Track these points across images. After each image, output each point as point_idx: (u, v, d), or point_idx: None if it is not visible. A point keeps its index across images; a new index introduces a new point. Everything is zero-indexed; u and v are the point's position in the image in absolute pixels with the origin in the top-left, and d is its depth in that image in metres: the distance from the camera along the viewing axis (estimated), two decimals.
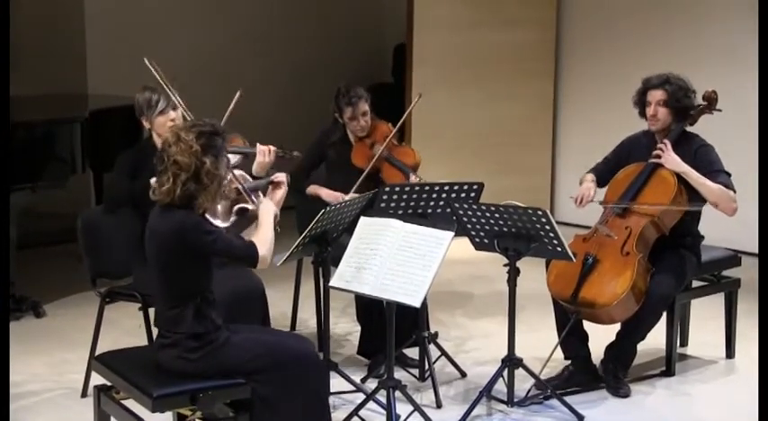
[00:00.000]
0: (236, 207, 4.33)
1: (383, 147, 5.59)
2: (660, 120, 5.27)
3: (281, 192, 4.39)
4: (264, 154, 4.92)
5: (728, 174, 5.21)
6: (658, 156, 5.22)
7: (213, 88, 8.41)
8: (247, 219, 4.37)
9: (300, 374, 4.11)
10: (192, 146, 3.97)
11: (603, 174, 5.44)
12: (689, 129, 5.33)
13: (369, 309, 5.27)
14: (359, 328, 5.71)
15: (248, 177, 4.48)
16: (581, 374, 5.21)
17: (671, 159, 5.19)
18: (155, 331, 4.73)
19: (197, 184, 3.98)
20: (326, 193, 5.64)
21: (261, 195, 4.35)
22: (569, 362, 5.24)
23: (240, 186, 4.34)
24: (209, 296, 4.10)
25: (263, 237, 4.13)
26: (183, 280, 4.05)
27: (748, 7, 7.33)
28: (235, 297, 4.61)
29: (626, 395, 5.15)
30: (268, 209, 4.24)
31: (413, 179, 5.52)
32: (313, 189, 5.69)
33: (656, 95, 5.26)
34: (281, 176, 4.42)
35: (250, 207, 4.33)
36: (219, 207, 4.26)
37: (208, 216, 4.15)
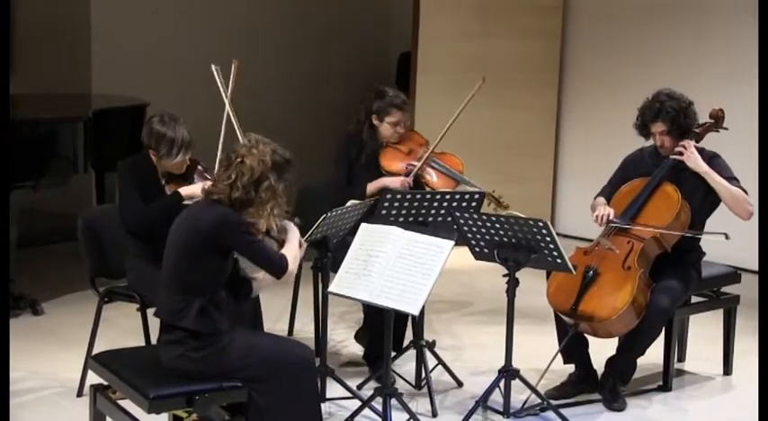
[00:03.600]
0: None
1: (428, 152, 5.55)
2: (668, 147, 5.27)
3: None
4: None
5: (740, 185, 5.23)
6: (680, 154, 5.21)
7: (219, 92, 8.43)
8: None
9: (296, 380, 4.11)
10: (265, 156, 4.07)
11: (611, 196, 5.43)
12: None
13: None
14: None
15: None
16: (583, 381, 5.22)
17: (693, 157, 5.19)
18: (152, 333, 4.75)
19: (255, 194, 4.04)
20: (391, 181, 5.49)
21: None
22: (573, 368, 5.25)
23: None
24: (217, 297, 4.11)
25: (292, 253, 4.20)
26: (199, 272, 4.06)
27: (749, 19, 7.34)
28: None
29: (620, 409, 5.14)
30: (294, 231, 4.30)
31: (466, 188, 5.41)
32: (372, 186, 5.51)
33: (658, 127, 5.25)
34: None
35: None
36: None
37: None
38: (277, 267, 4.14)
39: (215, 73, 4.92)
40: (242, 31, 8.89)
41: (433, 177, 5.61)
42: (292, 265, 4.17)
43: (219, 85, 4.93)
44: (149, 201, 4.93)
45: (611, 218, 5.21)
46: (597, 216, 5.25)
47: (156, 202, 4.91)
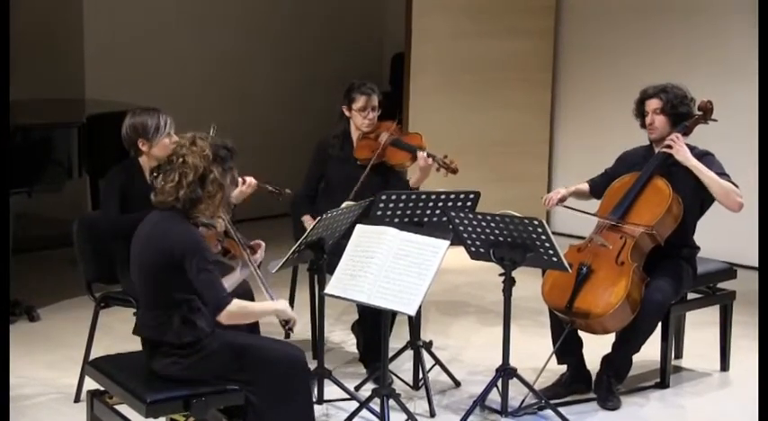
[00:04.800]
0: (220, 244, 4.37)
1: (389, 132, 5.61)
2: (658, 128, 5.29)
3: (257, 256, 4.43)
4: (247, 184, 4.98)
5: (732, 182, 5.23)
6: (669, 147, 5.22)
7: (215, 98, 8.43)
8: (228, 260, 4.44)
9: (289, 382, 4.11)
10: (205, 150, 4.04)
11: (599, 185, 5.46)
12: (685, 140, 5.33)
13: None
14: (353, 336, 5.71)
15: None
16: (576, 381, 5.22)
17: (682, 151, 5.20)
18: None
19: (202, 190, 4.01)
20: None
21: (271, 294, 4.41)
22: (565, 368, 5.25)
23: (229, 226, 4.38)
24: (195, 304, 4.08)
25: (246, 308, 4.11)
26: (174, 289, 4.04)
27: (745, 16, 7.35)
28: None
29: (614, 408, 5.13)
30: (279, 305, 4.27)
31: (422, 155, 5.52)
32: (306, 220, 5.62)
33: (652, 104, 5.29)
34: (259, 243, 4.46)
35: (231, 251, 4.41)
36: (207, 234, 4.28)
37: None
38: (213, 303, 4.00)
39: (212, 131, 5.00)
40: (236, 33, 8.88)
41: (392, 155, 5.64)
42: (234, 308, 4.00)
43: None
44: (131, 206, 4.91)
45: (554, 201, 5.32)
46: (543, 198, 5.35)
47: (132, 215, 4.84)
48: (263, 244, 4.49)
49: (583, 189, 5.50)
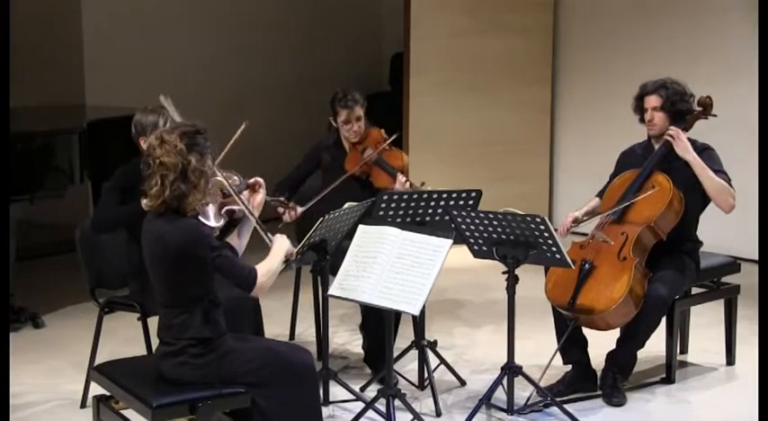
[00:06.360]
0: (224, 208, 4.33)
1: (375, 152, 5.62)
2: (657, 125, 5.29)
3: (259, 197, 4.39)
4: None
5: (729, 178, 5.22)
6: (671, 137, 5.21)
7: (214, 98, 8.44)
8: (234, 221, 4.40)
9: (297, 385, 4.11)
10: (177, 145, 3.99)
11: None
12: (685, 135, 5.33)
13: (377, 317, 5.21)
14: (358, 337, 5.70)
15: (235, 177, 4.47)
16: (581, 380, 5.21)
17: (682, 143, 5.19)
18: (153, 342, 4.74)
19: (185, 184, 3.99)
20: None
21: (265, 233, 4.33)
22: (569, 367, 5.24)
23: (229, 188, 4.34)
24: (216, 299, 4.11)
25: (267, 266, 4.13)
26: (189, 285, 4.05)
27: (743, 13, 7.35)
28: (227, 305, 4.48)
29: (619, 404, 5.13)
30: (282, 245, 4.24)
31: (400, 179, 5.55)
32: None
33: (652, 101, 5.28)
34: (258, 180, 4.43)
35: (236, 208, 4.33)
36: (210, 209, 4.25)
37: (201, 218, 4.14)
38: (244, 281, 4.07)
39: (166, 104, 4.89)
40: (234, 34, 8.89)
41: (377, 176, 5.67)
42: (263, 278, 4.08)
43: (174, 114, 4.91)
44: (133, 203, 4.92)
45: (567, 227, 5.28)
46: (558, 229, 5.24)
47: (123, 207, 4.90)
48: (261, 181, 4.42)
49: (594, 205, 5.45)
